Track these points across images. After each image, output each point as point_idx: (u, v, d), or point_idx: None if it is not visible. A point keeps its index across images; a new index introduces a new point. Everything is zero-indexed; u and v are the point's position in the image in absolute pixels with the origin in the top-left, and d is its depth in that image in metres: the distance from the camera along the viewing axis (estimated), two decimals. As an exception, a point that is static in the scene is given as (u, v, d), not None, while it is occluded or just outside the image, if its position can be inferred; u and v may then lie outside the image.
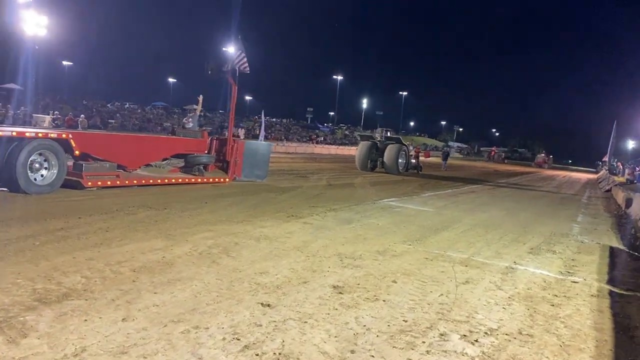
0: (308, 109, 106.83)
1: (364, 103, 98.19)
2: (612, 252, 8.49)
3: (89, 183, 9.33)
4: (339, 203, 10.98)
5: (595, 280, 6.38)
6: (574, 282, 6.18)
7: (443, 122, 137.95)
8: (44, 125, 23.77)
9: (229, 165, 13.09)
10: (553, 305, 5.13)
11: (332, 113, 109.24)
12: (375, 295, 4.83)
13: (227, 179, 12.89)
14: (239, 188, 12.13)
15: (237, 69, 12.86)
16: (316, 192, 12.81)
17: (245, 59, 12.78)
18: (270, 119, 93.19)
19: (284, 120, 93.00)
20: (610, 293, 5.84)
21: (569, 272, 6.69)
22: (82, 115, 27.60)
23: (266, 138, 42.16)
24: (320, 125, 80.00)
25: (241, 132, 46.13)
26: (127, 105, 71.11)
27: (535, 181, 31.39)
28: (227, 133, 14.02)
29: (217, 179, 12.57)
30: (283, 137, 49.85)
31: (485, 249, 7.58)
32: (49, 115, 25.87)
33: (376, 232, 8.06)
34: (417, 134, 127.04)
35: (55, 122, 24.52)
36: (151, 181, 10.67)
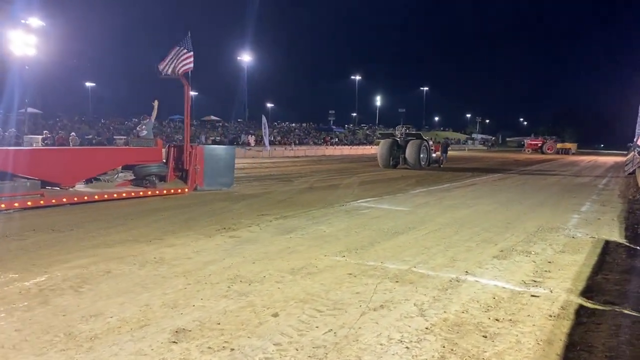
0: (330, 112, 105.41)
1: (378, 100, 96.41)
2: (606, 248, 6.98)
3: (2, 205, 8.25)
4: (299, 209, 9.69)
5: (566, 290, 4.94)
6: (535, 295, 4.76)
7: (468, 115, 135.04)
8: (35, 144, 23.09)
9: (187, 174, 11.90)
10: (485, 337, 3.74)
11: (354, 114, 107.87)
12: (226, 342, 3.52)
13: (187, 189, 11.71)
14: (193, 199, 10.95)
15: (179, 69, 11.62)
16: (283, 198, 11.54)
17: (190, 59, 11.56)
18: (289, 124, 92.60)
19: (304, 125, 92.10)
20: (578, 310, 4.40)
21: (535, 281, 5.26)
22: (72, 134, 26.96)
23: (272, 142, 41.14)
24: (334, 127, 78.43)
25: (251, 139, 45.22)
26: (146, 121, 71.04)
27: (556, 167, 29.53)
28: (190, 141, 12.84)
29: (172, 190, 11.39)
30: (292, 142, 48.51)
31: (439, 256, 6.19)
32: (41, 135, 25.25)
33: (313, 243, 6.76)
34: (441, 128, 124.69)
35: (45, 141, 23.83)
36: (86, 198, 9.55)
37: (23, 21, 40.03)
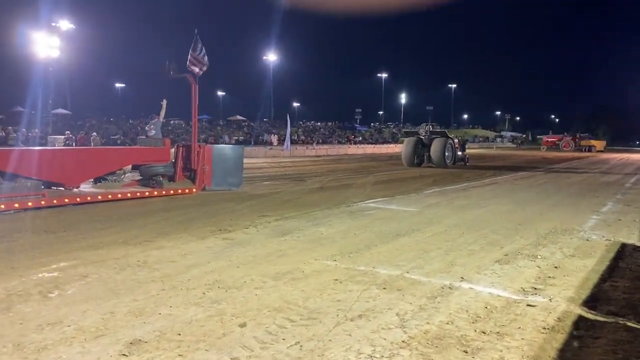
0: (356, 110, 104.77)
1: (403, 98, 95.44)
2: (621, 252, 6.53)
3: (2, 206, 8.20)
4: (303, 209, 9.43)
5: (567, 299, 4.56)
6: (531, 305, 4.39)
7: (497, 112, 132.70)
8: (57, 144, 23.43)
9: (196, 174, 11.76)
10: (466, 352, 3.42)
11: (381, 112, 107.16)
12: (180, 355, 3.29)
13: (195, 189, 11.57)
14: (199, 199, 10.79)
15: (192, 67, 11.48)
16: (290, 198, 11.29)
17: (205, 59, 11.40)
18: (315, 123, 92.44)
19: (329, 124, 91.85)
20: (577, 322, 4.02)
21: (535, 288, 4.88)
22: (94, 134, 27.25)
23: (294, 141, 41.00)
24: (358, 126, 77.86)
25: (274, 138, 45.16)
26: (172, 122, 72.16)
27: (585, 165, 28.61)
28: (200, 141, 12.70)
29: (180, 190, 11.26)
30: (313, 141, 48.27)
31: (437, 260, 5.85)
32: (64, 135, 25.59)
33: (306, 246, 6.49)
34: (470, 126, 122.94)
35: (67, 141, 24.13)
36: (89, 198, 9.47)
37: (53, 24, 40.90)
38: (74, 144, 23.81)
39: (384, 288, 4.78)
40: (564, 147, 55.24)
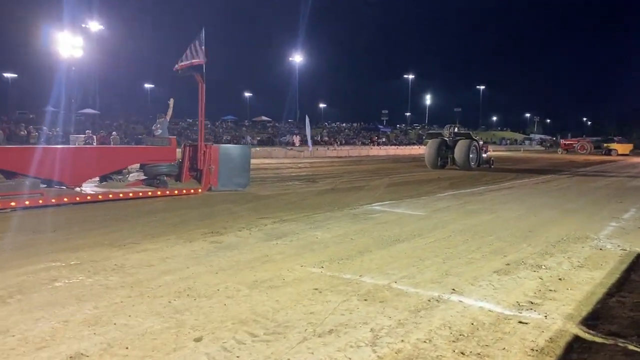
0: (383, 112, 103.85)
1: (427, 99, 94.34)
2: (636, 263, 6.06)
3: (-3, 204, 8.10)
4: (304, 212, 9.13)
5: (565, 316, 4.14)
6: (523, 322, 3.99)
7: (527, 115, 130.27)
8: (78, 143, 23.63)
9: (202, 174, 11.55)
10: (437, 376, 3.04)
11: (408, 114, 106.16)
12: (118, 371, 2.99)
13: (200, 190, 11.36)
14: (201, 200, 10.58)
15: (190, 64, 11.28)
16: (295, 200, 10.99)
17: (203, 55, 11.18)
18: (339, 124, 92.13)
19: (354, 125, 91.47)
20: (570, 343, 3.62)
21: (532, 302, 4.47)
22: (114, 133, 27.44)
23: (317, 142, 40.75)
24: (382, 127, 77.14)
25: (296, 139, 44.97)
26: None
27: (615, 169, 27.57)
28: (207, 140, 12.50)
29: (184, 191, 11.06)
30: (335, 141, 47.93)
31: (432, 269, 5.47)
32: (84, 134, 25.80)
33: (296, 251, 6.18)
34: (499, 128, 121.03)
35: (87, 140, 24.31)
36: (89, 198, 9.34)
37: (83, 25, 41.45)
38: (93, 143, 23.94)
39: (365, 299, 4.43)
40: (580, 149, 53.69)
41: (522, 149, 68.73)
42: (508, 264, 5.79)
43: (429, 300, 4.45)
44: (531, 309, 4.33)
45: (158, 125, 12.42)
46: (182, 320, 3.85)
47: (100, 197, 9.53)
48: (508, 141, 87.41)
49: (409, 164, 27.19)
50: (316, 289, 4.68)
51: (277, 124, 75.62)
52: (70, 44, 28.03)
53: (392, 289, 4.75)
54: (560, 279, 5.29)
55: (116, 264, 5.38)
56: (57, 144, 22.62)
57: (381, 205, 10.35)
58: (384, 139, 60.55)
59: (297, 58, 72.64)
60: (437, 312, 4.17)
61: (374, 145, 50.34)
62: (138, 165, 11.89)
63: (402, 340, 3.58)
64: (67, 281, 4.77)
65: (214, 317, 3.92)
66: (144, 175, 11.04)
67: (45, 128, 27.51)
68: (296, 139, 44.53)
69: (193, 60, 11.27)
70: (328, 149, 38.89)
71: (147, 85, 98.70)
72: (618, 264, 5.97)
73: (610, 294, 4.83)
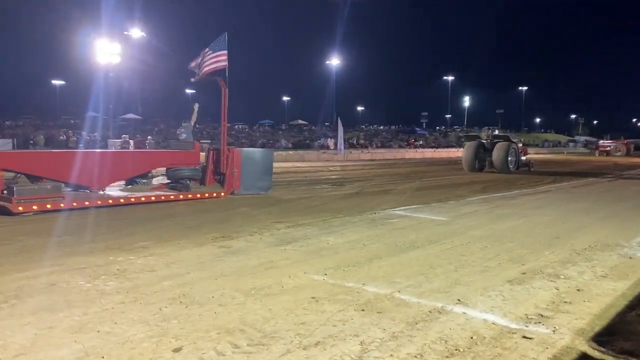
0: (422, 114, 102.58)
1: (466, 101, 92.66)
2: (666, 273, 5.61)
3: (20, 208, 8.29)
4: (322, 216, 8.98)
5: (575, 331, 3.85)
6: (527, 337, 3.73)
7: (573, 116, 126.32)
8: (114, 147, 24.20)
9: (225, 177, 11.55)
10: (421, 396, 2.83)
11: (448, 116, 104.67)
12: (85, 382, 2.90)
13: (223, 194, 11.36)
14: (221, 203, 10.57)
15: (209, 68, 11.27)
16: (317, 204, 10.85)
17: (222, 57, 11.16)
18: (377, 126, 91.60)
19: (392, 127, 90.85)
20: (576, 362, 3.33)
21: (542, 315, 4.19)
22: (149, 137, 27.98)
23: (352, 145, 40.51)
24: (418, 129, 76.13)
25: (330, 142, 44.88)
26: (237, 126, 73.64)
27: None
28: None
29: (207, 194, 11.08)
30: (368, 144, 47.57)
31: (441, 278, 5.23)
32: (120, 139, 26.42)
33: (303, 257, 6.04)
34: (542, 130, 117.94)
35: (123, 145, 24.87)
36: (110, 201, 9.43)
37: (125, 32, 42.56)
38: (130, 147, 24.42)
39: (363, 310, 4.24)
40: (615, 151, 51.78)
41: (565, 152, 66.59)
42: (524, 273, 5.48)
43: (430, 312, 4.22)
44: (540, 322, 4.04)
45: (182, 130, 12.51)
46: (167, 328, 3.75)
47: (122, 200, 9.62)
48: (550, 143, 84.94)
49: (445, 167, 26.69)
50: (313, 298, 4.51)
51: (313, 128, 75.67)
52: (110, 51, 28.71)
53: (394, 299, 4.54)
54: (578, 289, 4.96)
55: (119, 269, 5.34)
56: (94, 148, 23.21)
57: (404, 210, 10.09)
58: (420, 142, 59.75)
59: (335, 61, 72.44)
60: (436, 325, 3.94)
61: (410, 148, 49.71)
62: (165, 169, 11.96)
63: (391, 355, 3.38)
64: (65, 286, 4.75)
65: (200, 326, 3.80)
66: (167, 179, 11.10)
67: (84, 133, 28.29)
68: (330, 142, 44.41)
69: (217, 65, 11.26)
70: (362, 152, 38.59)
71: (189, 91, 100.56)
72: (646, 274, 5.58)
73: (631, 307, 4.48)
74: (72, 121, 59.93)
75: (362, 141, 56.47)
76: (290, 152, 31.94)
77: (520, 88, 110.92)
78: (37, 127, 45.33)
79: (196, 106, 12.50)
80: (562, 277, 5.37)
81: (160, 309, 4.16)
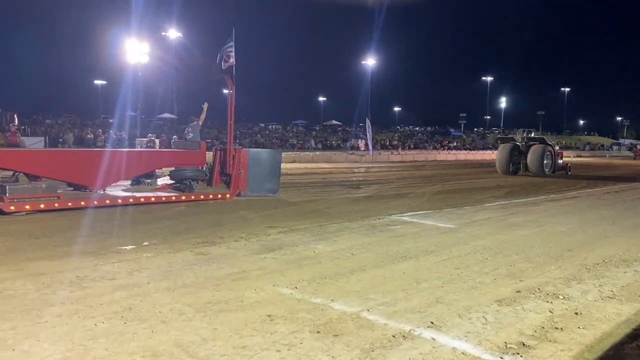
0: (460, 115, 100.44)
1: (503, 102, 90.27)
2: (685, 295, 4.94)
3: (12, 207, 8.14)
4: (320, 221, 8.57)
5: (557, 367, 3.28)
6: (497, 373, 3.18)
7: (619, 118, 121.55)
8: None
9: (231, 179, 11.23)
10: None
11: (488, 117, 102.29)
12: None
13: (228, 195, 11.04)
14: (224, 205, 10.26)
15: (223, 66, 10.98)
16: (321, 207, 10.42)
17: (231, 54, 10.85)
18: (412, 127, 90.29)
19: (428, 128, 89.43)
20: (546, 407, 2.78)
21: (524, 345, 3.64)
22: (174, 137, 28.02)
23: (384, 146, 39.86)
24: (453, 130, 74.46)
25: (361, 143, 44.32)
26: (270, 126, 73.86)
27: None
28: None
29: (211, 196, 10.78)
30: (398, 145, 46.72)
31: (423, 294, 4.73)
32: (146, 138, 26.59)
33: (279, 267, 5.62)
34: (585, 132, 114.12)
35: (149, 144, 24.99)
36: (107, 202, 9.22)
37: (163, 33, 43.03)
38: (155, 146, 24.50)
39: (318, 332, 3.77)
40: None
41: (607, 155, 64.10)
42: (519, 291, 4.90)
43: (393, 336, 3.73)
44: (518, 353, 3.50)
45: (190, 129, 12.25)
46: (89, 349, 3.38)
47: (120, 201, 9.40)
48: (593, 146, 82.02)
49: (476, 170, 25.85)
50: (269, 316, 4.07)
51: (347, 128, 75.07)
52: (146, 52, 28.95)
53: (359, 319, 4.06)
54: (576, 313, 4.37)
55: (78, 276, 5.03)
56: (121, 147, 23.37)
57: (411, 215, 9.54)
58: (455, 143, 58.46)
59: (370, 61, 71.67)
60: (395, 353, 3.45)
61: (444, 149, 48.64)
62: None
63: (327, 391, 2.90)
64: (11, 294, 4.46)
65: (128, 347, 3.41)
66: (171, 179, 10.85)
67: (111, 131, 28.62)
68: (361, 143, 43.83)
69: (228, 62, 10.96)
70: (392, 153, 37.90)
71: (225, 91, 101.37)
72: (661, 295, 4.92)
73: (632, 336, 3.88)
74: (110, 120, 61.13)
75: (395, 142, 55.63)
76: (317, 153, 31.58)
77: (562, 89, 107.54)
78: (75, 126, 46.39)
79: (205, 105, 12.23)
80: (561, 297, 4.78)
81: (95, 325, 3.79)
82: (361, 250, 6.50)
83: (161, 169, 11.42)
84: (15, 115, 33.40)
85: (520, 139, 23.49)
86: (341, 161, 31.19)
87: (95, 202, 9.07)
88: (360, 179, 18.65)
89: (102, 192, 9.66)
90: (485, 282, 5.21)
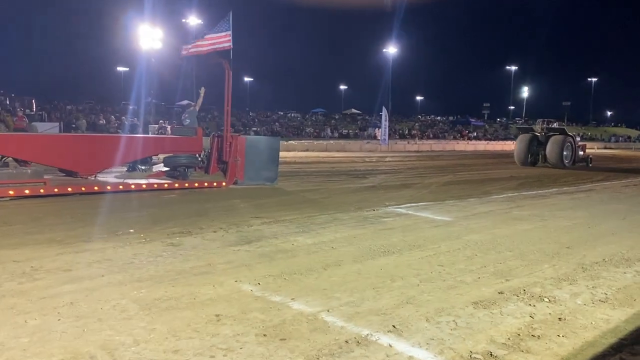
0: (484, 104, 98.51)
1: (525, 92, 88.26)
2: (686, 300, 4.48)
3: (-6, 193, 7.94)
4: (310, 211, 8.24)
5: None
6: (451, 388, 2.81)
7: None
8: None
9: (227, 166, 10.94)
10: None
11: (512, 107, 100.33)
12: None
13: (224, 183, 10.75)
14: (216, 194, 9.98)
15: (212, 48, 10.64)
16: (317, 197, 10.08)
17: (226, 38, 10.49)
18: (434, 117, 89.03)
19: (450, 118, 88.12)
20: None
21: (491, 354, 3.28)
22: (174, 122, 27.87)
23: (402, 136, 39.22)
24: (473, 120, 73.01)
25: (378, 132, 43.68)
26: (289, 114, 73.57)
27: None
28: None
29: (206, 184, 10.50)
30: (415, 135, 45.96)
31: (393, 294, 4.36)
32: (157, 124, 26.48)
33: (251, 261, 5.30)
34: (612, 124, 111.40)
35: (160, 130, 24.88)
36: (96, 188, 9.01)
37: (183, 20, 42.79)
38: (166, 133, 24.35)
39: (265, 335, 3.44)
40: None
41: (632, 147, 62.34)
42: (501, 292, 4.50)
43: (346, 342, 3.37)
44: (483, 365, 3.11)
45: (186, 115, 11.96)
46: (7, 348, 3.10)
47: (109, 187, 9.18)
48: (620, 138, 79.94)
49: (493, 161, 25.24)
50: (217, 316, 3.75)
51: (367, 117, 74.30)
52: (165, 39, 28.62)
53: (315, 321, 3.71)
54: (560, 318, 3.96)
55: (32, 267, 4.78)
56: (132, 133, 23.24)
57: (409, 207, 9.13)
58: (475, 134, 57.42)
59: (392, 49, 70.61)
60: (340, 362, 3.09)
61: (464, 139, 47.76)
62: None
63: (250, 407, 2.56)
64: (-46, 285, 4.20)
65: (48, 348, 3.12)
66: (164, 166, 10.60)
67: (124, 117, 28.57)
68: (378, 132, 43.19)
69: (219, 46, 10.61)
70: (409, 142, 37.28)
71: (247, 79, 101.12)
72: (658, 300, 4.47)
73: (616, 347, 3.46)
74: (130, 107, 61.35)
75: (414, 132, 54.86)
76: (332, 142, 31.18)
77: (589, 79, 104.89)
78: (93, 112, 46.61)
79: (202, 90, 11.92)
80: (546, 299, 4.36)
81: (25, 322, 3.52)
82: (343, 243, 6.14)
83: (157, 155, 11.15)
84: (33, 101, 33.62)
85: (539, 130, 23.00)
86: (355, 150, 30.77)
87: (83, 189, 8.86)
88: (370, 168, 18.24)
89: (93, 178, 9.43)
90: (467, 281, 4.81)
